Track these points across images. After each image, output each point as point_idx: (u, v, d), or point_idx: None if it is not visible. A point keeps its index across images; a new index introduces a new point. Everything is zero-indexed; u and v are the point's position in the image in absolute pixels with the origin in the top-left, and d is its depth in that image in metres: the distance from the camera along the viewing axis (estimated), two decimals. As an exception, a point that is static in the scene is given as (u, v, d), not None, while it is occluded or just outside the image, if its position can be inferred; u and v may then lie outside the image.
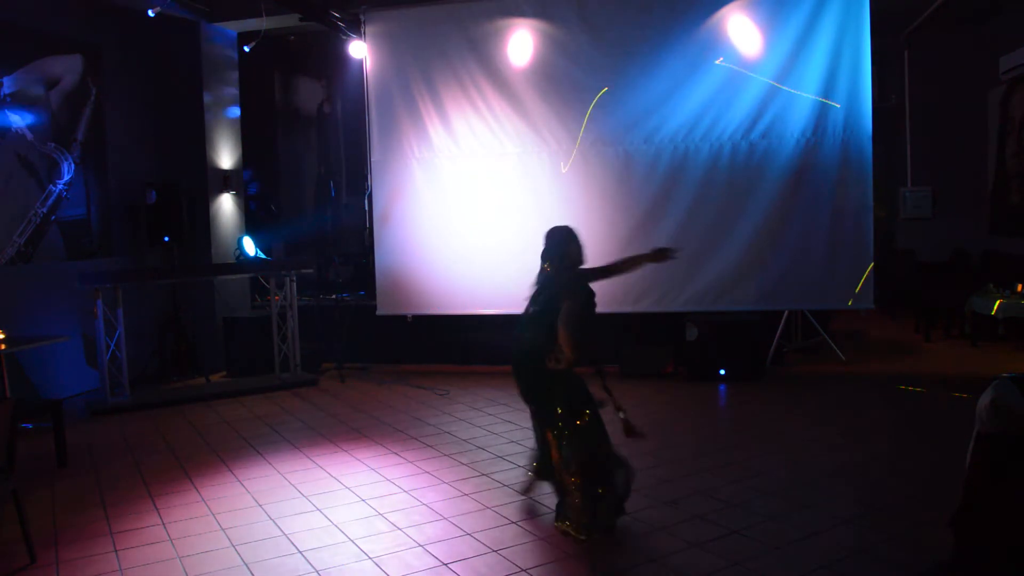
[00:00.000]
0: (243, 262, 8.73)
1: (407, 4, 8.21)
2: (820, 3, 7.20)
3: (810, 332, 8.31)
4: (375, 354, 8.67)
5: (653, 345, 7.82)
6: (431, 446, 5.59)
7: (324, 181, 11.51)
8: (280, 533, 4.10)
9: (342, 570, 3.66)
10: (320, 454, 5.48)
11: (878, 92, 7.97)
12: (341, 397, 7.29)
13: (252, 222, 9.40)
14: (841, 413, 6.21)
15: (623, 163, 7.69)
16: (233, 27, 8.87)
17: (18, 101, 7.07)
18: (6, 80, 6.94)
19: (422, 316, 8.34)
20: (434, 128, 8.12)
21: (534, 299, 4.14)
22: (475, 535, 4.01)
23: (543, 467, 4.26)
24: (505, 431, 5.90)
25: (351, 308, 8.66)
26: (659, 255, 4.30)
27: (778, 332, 7.92)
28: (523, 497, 4.46)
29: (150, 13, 7.70)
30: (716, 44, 7.40)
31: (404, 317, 8.40)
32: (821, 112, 7.25)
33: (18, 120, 7.06)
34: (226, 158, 8.96)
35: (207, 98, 8.68)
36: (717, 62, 7.39)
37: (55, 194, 7.46)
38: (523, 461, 5.07)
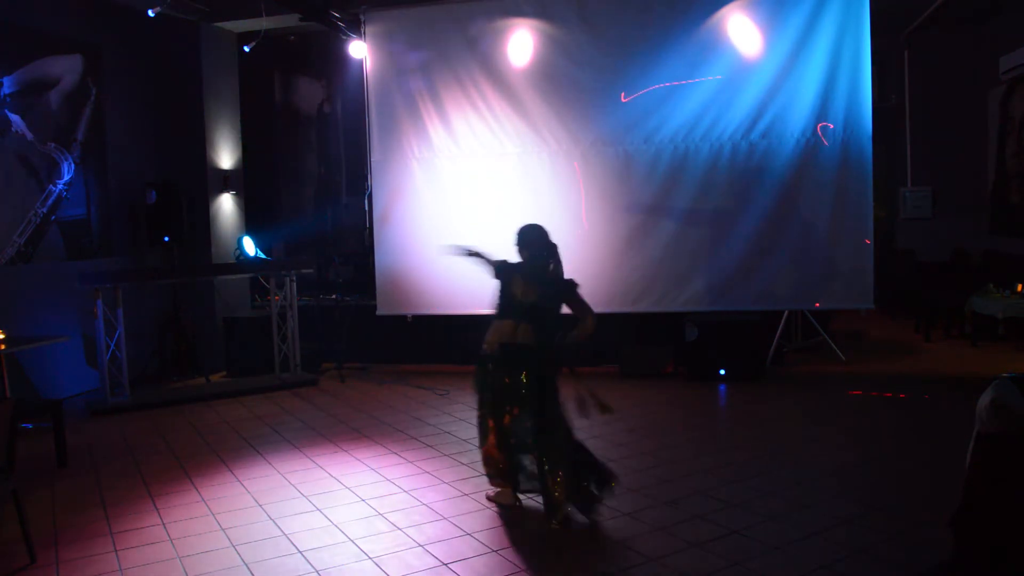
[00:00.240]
0: (243, 262, 8.73)
1: (407, 4, 8.21)
2: (820, 3, 7.19)
3: (810, 332, 8.31)
4: (375, 354, 8.67)
5: (653, 345, 7.82)
6: (431, 446, 5.59)
7: (324, 181, 11.51)
8: (280, 533, 4.10)
9: (342, 570, 3.66)
10: (320, 454, 5.48)
11: (878, 92, 7.98)
12: (341, 397, 7.29)
13: (252, 222, 9.40)
14: (841, 413, 6.21)
15: (623, 163, 7.69)
16: (233, 27, 8.87)
17: (18, 101, 7.07)
18: (6, 80, 6.94)
19: (422, 316, 8.34)
20: (434, 128, 8.12)
21: (535, 291, 4.21)
22: (475, 535, 4.01)
23: (520, 476, 4.29)
24: (505, 431, 5.90)
25: (351, 308, 8.66)
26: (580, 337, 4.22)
27: (778, 332, 7.92)
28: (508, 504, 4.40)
29: (150, 13, 7.70)
30: (716, 44, 7.40)
31: (404, 317, 8.39)
32: (821, 112, 7.25)
33: (18, 120, 7.06)
34: (226, 158, 8.96)
35: (207, 98, 8.68)
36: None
37: (55, 194, 7.46)
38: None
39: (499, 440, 4.25)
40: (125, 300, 7.03)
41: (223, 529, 4.17)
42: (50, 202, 7.40)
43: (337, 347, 8.36)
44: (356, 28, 8.40)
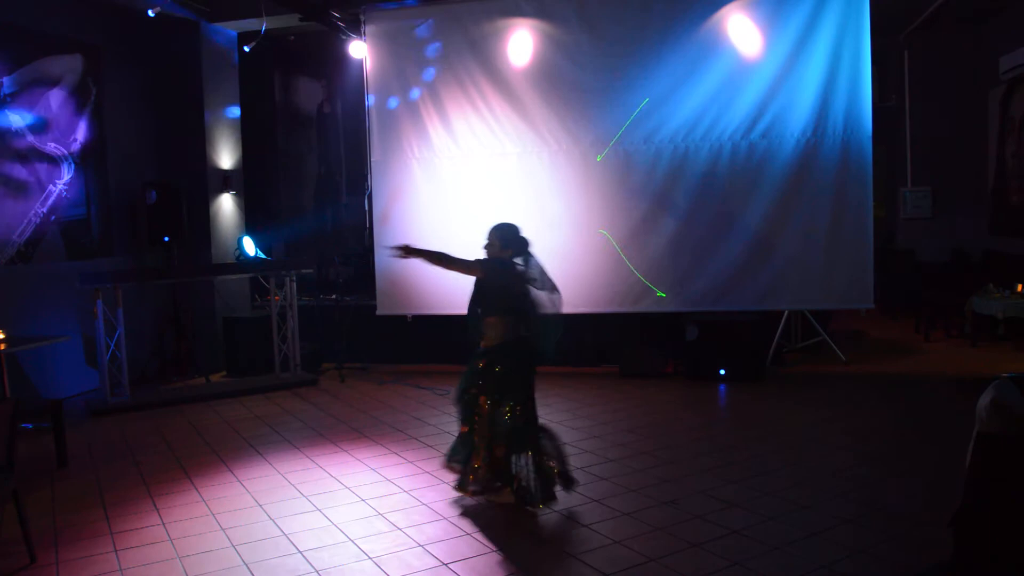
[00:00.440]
0: (243, 262, 8.73)
1: (407, 4, 8.21)
2: (820, 3, 7.20)
3: (810, 332, 8.31)
4: (375, 354, 8.67)
5: (653, 345, 7.82)
6: (431, 446, 5.58)
7: (324, 181, 11.52)
8: (280, 533, 4.10)
9: (342, 570, 3.67)
10: (320, 454, 5.48)
11: (878, 92, 7.98)
12: (341, 397, 7.29)
13: (252, 222, 9.40)
14: (841, 413, 6.21)
15: (623, 163, 7.69)
16: (233, 27, 8.88)
17: (18, 101, 7.07)
18: (6, 80, 6.94)
19: (422, 316, 8.34)
20: (434, 128, 8.12)
21: (531, 282, 4.36)
22: (475, 535, 4.01)
23: (496, 470, 4.36)
24: (505, 431, 5.90)
25: (351, 308, 8.66)
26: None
27: (778, 332, 7.93)
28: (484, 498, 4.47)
29: (150, 13, 7.70)
30: (716, 44, 7.40)
31: (404, 317, 8.39)
32: (821, 112, 7.24)
33: (18, 120, 7.06)
34: (226, 158, 8.96)
35: (207, 98, 8.68)
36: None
37: (55, 194, 7.45)
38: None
39: (480, 429, 4.32)
40: (125, 300, 7.03)
41: (223, 529, 4.17)
42: (50, 202, 7.40)
43: (337, 347, 8.36)
44: (356, 28, 8.40)
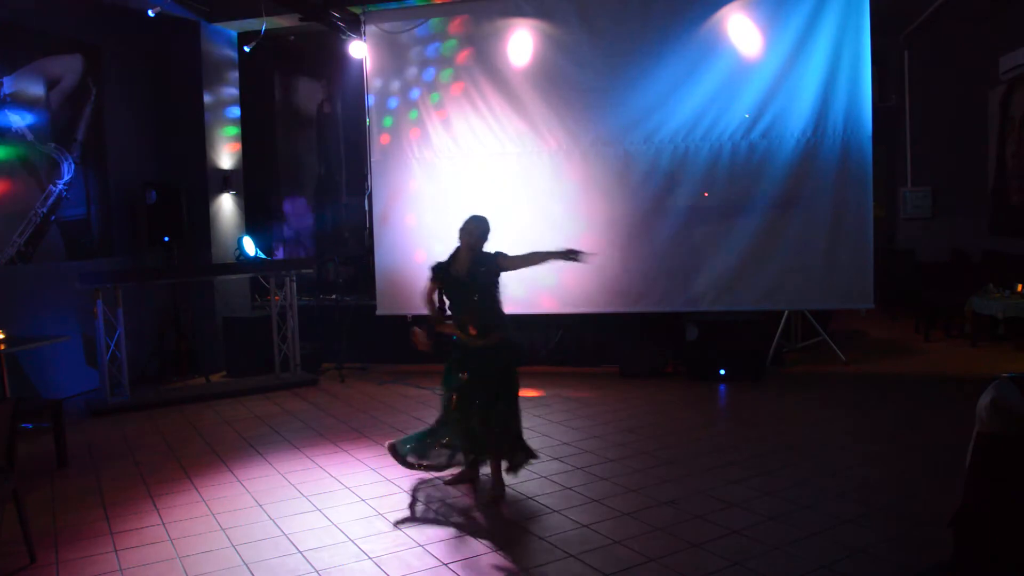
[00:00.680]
0: (243, 262, 8.73)
1: (407, 4, 8.21)
2: (820, 3, 7.19)
3: (810, 332, 8.31)
4: (375, 354, 8.67)
5: (653, 345, 7.82)
6: (431, 446, 5.58)
7: (324, 181, 11.51)
8: (280, 533, 4.10)
9: (342, 570, 3.67)
10: (320, 454, 5.48)
11: (878, 92, 7.98)
12: (341, 397, 7.29)
13: (252, 222, 9.40)
14: (841, 413, 6.21)
15: (623, 163, 7.69)
16: (233, 27, 8.88)
17: (18, 101, 7.06)
18: (6, 80, 6.94)
19: (422, 316, 8.32)
20: (434, 128, 8.12)
21: (482, 274, 4.63)
22: (475, 535, 4.01)
23: (475, 445, 4.59)
24: (505, 431, 5.89)
25: (351, 308, 8.66)
26: (569, 254, 4.62)
27: (778, 332, 7.93)
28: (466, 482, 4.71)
29: (150, 13, 7.71)
30: (716, 44, 7.40)
31: (404, 317, 8.39)
32: (821, 112, 7.24)
33: (18, 120, 7.06)
34: (226, 158, 8.96)
35: (207, 98, 8.68)
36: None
37: (55, 194, 7.46)
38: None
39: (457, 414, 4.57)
40: (125, 300, 7.03)
41: (223, 529, 4.17)
42: (50, 202, 7.40)
43: (337, 347, 8.36)
44: (356, 28, 8.40)
